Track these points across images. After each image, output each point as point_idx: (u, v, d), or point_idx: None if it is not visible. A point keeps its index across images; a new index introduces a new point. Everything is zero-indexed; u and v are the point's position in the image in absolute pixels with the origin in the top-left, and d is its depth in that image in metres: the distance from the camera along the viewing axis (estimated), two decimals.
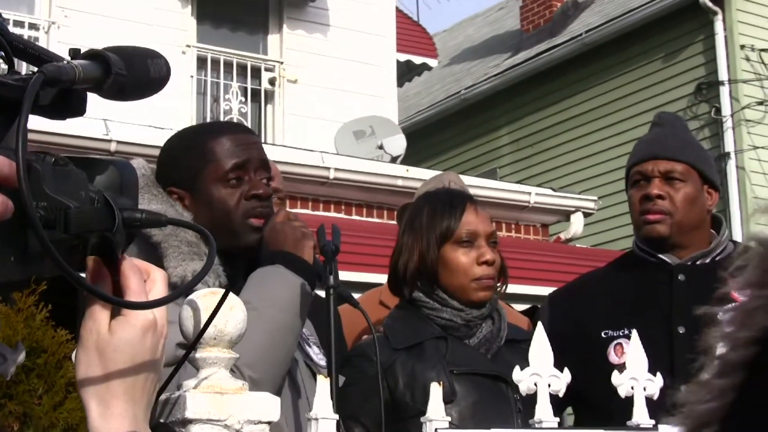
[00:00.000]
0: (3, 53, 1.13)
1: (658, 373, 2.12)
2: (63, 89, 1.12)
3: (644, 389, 2.11)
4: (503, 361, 2.83)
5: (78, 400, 1.16)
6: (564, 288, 3.64)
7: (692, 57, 14.00)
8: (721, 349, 0.75)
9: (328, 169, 9.80)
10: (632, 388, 2.10)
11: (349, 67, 12.17)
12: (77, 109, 1.16)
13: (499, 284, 3.08)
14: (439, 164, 16.11)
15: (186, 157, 2.55)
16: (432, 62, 14.97)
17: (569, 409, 3.44)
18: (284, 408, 2.14)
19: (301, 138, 11.28)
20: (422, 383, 2.68)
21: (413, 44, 14.62)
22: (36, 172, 1.05)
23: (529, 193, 10.91)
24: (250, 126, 11.37)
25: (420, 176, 9.21)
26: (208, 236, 1.25)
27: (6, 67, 1.14)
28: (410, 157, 12.33)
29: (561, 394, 2.10)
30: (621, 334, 3.12)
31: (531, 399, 2.13)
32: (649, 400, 2.14)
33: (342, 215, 9.89)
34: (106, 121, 8.99)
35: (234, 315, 1.90)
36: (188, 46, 11.53)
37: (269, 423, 1.93)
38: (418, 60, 14.59)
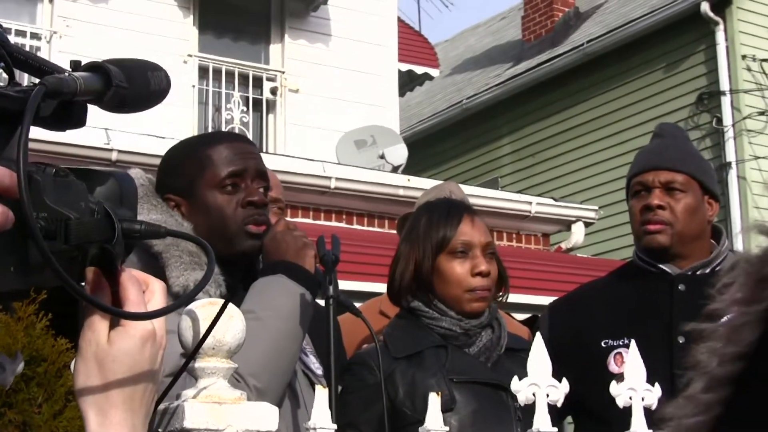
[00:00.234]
0: (3, 64, 1.13)
1: (657, 384, 2.13)
2: (64, 101, 1.13)
3: (642, 399, 2.11)
4: (503, 370, 2.83)
5: (77, 409, 1.17)
6: (564, 297, 3.64)
7: (693, 67, 14.02)
8: (708, 364, 0.76)
9: (329, 178, 9.80)
10: (630, 398, 2.11)
11: (350, 76, 12.19)
12: (78, 120, 1.17)
13: (500, 293, 3.09)
14: (441, 174, 16.13)
15: (183, 165, 2.57)
16: (434, 72, 14.98)
17: (569, 418, 3.45)
18: (283, 418, 2.15)
19: (303, 147, 11.29)
20: (422, 392, 2.69)
21: (415, 54, 14.63)
22: (37, 183, 1.06)
23: (530, 203, 10.91)
24: (251, 135, 11.44)
25: (421, 186, 9.21)
26: (207, 247, 1.25)
27: (6, 77, 1.15)
28: (411, 167, 12.34)
29: (559, 404, 2.11)
30: (621, 343, 3.13)
31: (531, 408, 2.14)
32: (647, 410, 2.14)
33: (343, 224, 9.89)
34: (108, 131, 9.00)
35: (233, 325, 1.91)
36: (190, 55, 11.54)
37: None
38: (419, 70, 14.60)
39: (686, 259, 3.24)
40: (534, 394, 2.06)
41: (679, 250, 3.23)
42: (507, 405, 2.80)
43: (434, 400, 2.13)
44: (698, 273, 3.22)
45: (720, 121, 13.54)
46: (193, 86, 11.48)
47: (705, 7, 13.65)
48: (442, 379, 2.81)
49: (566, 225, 11.25)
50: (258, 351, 2.26)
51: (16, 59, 1.15)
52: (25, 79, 1.19)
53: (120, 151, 8.70)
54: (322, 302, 2.53)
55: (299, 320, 2.43)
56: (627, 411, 2.15)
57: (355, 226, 10.00)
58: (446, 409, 2.66)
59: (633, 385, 2.11)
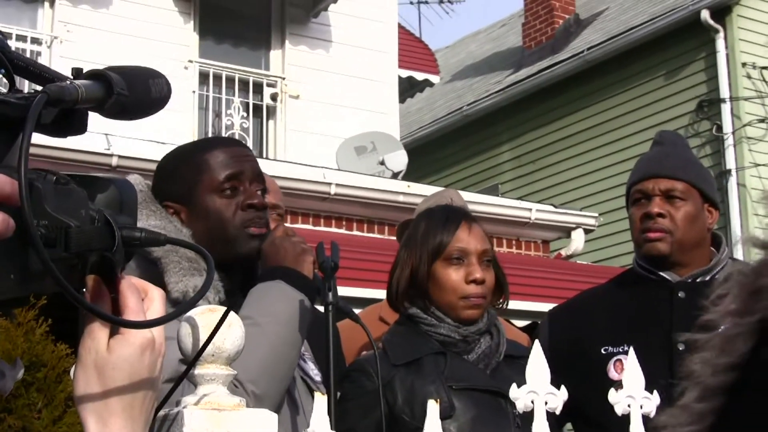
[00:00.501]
0: (4, 71, 1.14)
1: (655, 391, 2.13)
2: (65, 108, 1.13)
3: (641, 407, 2.11)
4: (502, 377, 2.83)
5: (77, 415, 1.17)
6: (564, 304, 3.64)
7: (694, 74, 14.04)
8: (702, 374, 0.76)
9: (329, 184, 9.81)
10: (629, 406, 2.11)
11: (351, 83, 12.19)
12: (78, 127, 1.17)
13: (500, 301, 3.09)
14: (441, 180, 16.13)
15: (181, 171, 2.57)
16: (434, 78, 14.98)
17: (569, 425, 3.45)
18: (282, 424, 2.15)
19: (303, 153, 11.29)
20: (421, 399, 2.69)
21: (415, 60, 14.64)
22: (37, 191, 1.06)
23: (530, 210, 10.91)
24: (251, 141, 11.45)
25: (421, 192, 9.21)
26: (206, 255, 1.26)
27: (7, 83, 1.15)
28: (412, 173, 12.34)
29: (558, 412, 2.11)
30: (621, 350, 3.14)
31: (530, 415, 2.14)
32: (646, 418, 2.14)
33: (343, 231, 9.89)
34: (108, 136, 9.01)
35: (232, 332, 1.91)
36: (190, 61, 11.55)
37: None
38: (420, 76, 14.60)
39: (686, 267, 3.25)
40: (532, 402, 2.06)
41: (678, 257, 3.24)
42: (506, 412, 2.80)
43: (433, 407, 2.13)
44: (698, 280, 3.23)
45: (720, 128, 13.54)
46: (194, 92, 11.48)
47: (705, 14, 13.66)
48: (441, 385, 2.81)
49: (566, 232, 11.25)
50: (256, 357, 2.26)
51: (17, 66, 1.15)
52: (26, 85, 1.19)
53: (120, 157, 8.70)
54: (321, 308, 2.54)
55: (297, 326, 2.43)
56: (626, 418, 2.15)
57: (355, 233, 10.00)
58: (445, 416, 2.66)
59: (631, 392, 2.11)
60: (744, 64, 13.64)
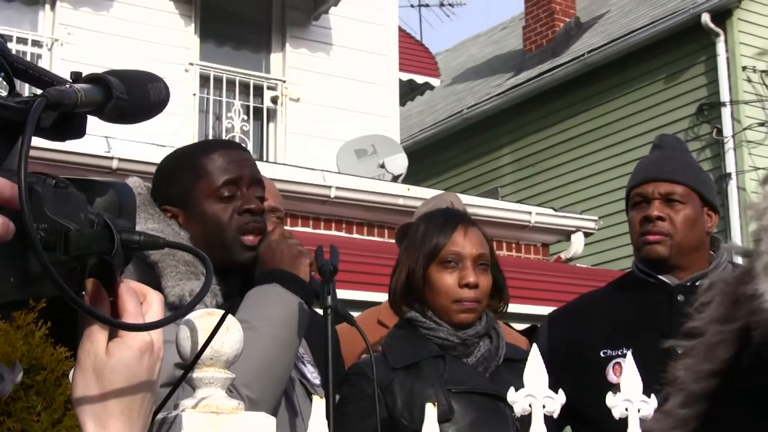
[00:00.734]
0: (4, 74, 1.14)
1: (653, 395, 2.13)
2: (64, 112, 1.14)
3: (639, 411, 2.11)
4: (501, 380, 2.83)
5: (76, 418, 1.17)
6: (563, 308, 3.65)
7: (694, 78, 14.05)
8: (685, 381, 0.78)
9: (329, 187, 9.82)
10: (626, 409, 2.11)
11: (351, 86, 12.20)
12: (78, 131, 1.18)
13: (500, 306, 3.09)
14: (441, 183, 16.14)
15: (179, 175, 2.57)
16: (434, 81, 14.98)
17: (568, 429, 3.45)
18: (281, 428, 2.15)
19: (303, 156, 11.30)
20: (420, 402, 2.69)
21: (416, 64, 14.65)
22: (37, 195, 1.07)
23: (530, 213, 10.92)
24: (252, 144, 11.45)
25: (421, 195, 9.22)
26: (205, 259, 1.26)
27: (7, 86, 1.15)
28: (412, 176, 12.35)
29: (555, 416, 2.11)
30: (620, 353, 3.14)
31: (529, 418, 2.14)
32: (644, 422, 2.15)
33: (343, 234, 9.90)
34: (108, 139, 9.01)
35: (230, 335, 1.91)
36: (191, 64, 11.56)
37: None
38: (420, 79, 14.61)
39: (685, 270, 3.25)
40: (530, 405, 2.06)
41: (678, 261, 3.24)
42: (505, 415, 2.80)
43: (431, 411, 2.13)
44: (697, 284, 3.23)
45: (720, 131, 13.55)
46: (194, 95, 11.49)
47: (706, 18, 13.67)
48: (441, 389, 2.81)
49: (566, 235, 11.25)
50: (251, 361, 2.25)
51: (17, 69, 1.16)
52: (26, 89, 1.20)
53: (120, 159, 8.71)
54: (320, 311, 2.54)
55: (293, 330, 2.43)
56: (623, 422, 2.16)
57: (355, 236, 10.01)
58: (444, 419, 2.67)
59: (629, 396, 2.12)
60: (744, 68, 13.65)
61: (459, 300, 2.94)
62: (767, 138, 13.64)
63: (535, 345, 2.19)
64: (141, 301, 1.21)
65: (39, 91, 1.12)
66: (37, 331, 4.48)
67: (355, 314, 2.88)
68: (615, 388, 2.21)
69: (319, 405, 1.93)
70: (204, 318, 1.80)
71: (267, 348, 2.35)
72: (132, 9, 11.25)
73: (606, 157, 14.71)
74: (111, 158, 8.74)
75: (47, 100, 1.09)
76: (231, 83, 11.82)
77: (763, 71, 13.74)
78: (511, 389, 2.10)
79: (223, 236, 2.49)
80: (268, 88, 11.99)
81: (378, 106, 12.35)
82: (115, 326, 1.17)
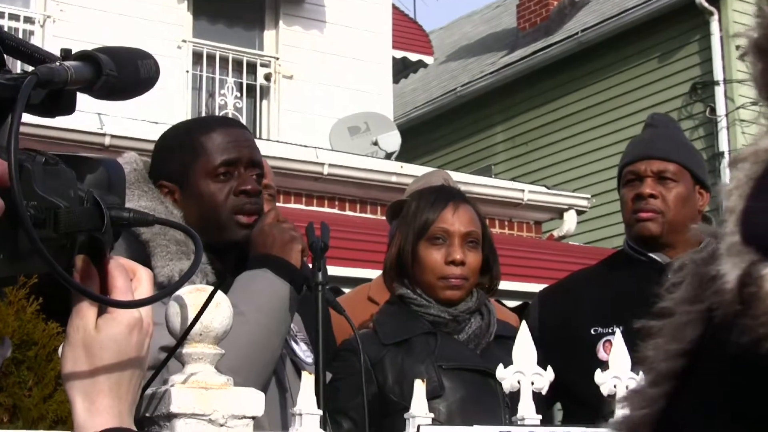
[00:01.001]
0: None
1: (641, 372, 2.15)
2: (54, 89, 1.14)
3: (627, 387, 2.13)
4: (492, 357, 2.83)
5: None
6: (555, 285, 3.66)
7: (688, 57, 14.03)
8: (654, 360, 0.79)
9: (322, 164, 9.81)
10: (615, 386, 2.13)
11: (344, 63, 12.18)
12: (67, 108, 1.18)
13: (491, 284, 3.09)
14: (434, 161, 16.13)
15: (177, 151, 2.56)
16: (428, 59, 14.97)
17: (558, 405, 3.47)
18: (269, 404, 2.15)
19: (296, 134, 11.29)
20: (411, 378, 2.69)
21: (409, 41, 14.62)
22: (27, 172, 1.07)
23: (523, 191, 10.94)
24: (245, 121, 11.42)
25: (414, 173, 9.22)
26: (195, 237, 1.26)
27: None
28: (405, 154, 12.35)
29: (544, 392, 2.12)
30: (611, 331, 3.14)
31: (518, 395, 2.15)
32: None
33: (336, 211, 9.90)
34: (101, 115, 9.00)
35: (220, 312, 1.92)
36: (184, 41, 11.53)
37: (253, 418, 1.95)
38: (414, 57, 14.59)
39: (676, 249, 3.26)
40: (519, 382, 2.08)
41: (669, 239, 3.25)
42: (495, 392, 2.81)
43: (419, 387, 2.14)
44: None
45: (713, 110, 13.55)
46: (187, 72, 11.46)
47: None
48: (431, 365, 2.82)
49: (558, 213, 11.27)
50: (238, 346, 2.25)
51: (8, 46, 1.16)
52: (17, 66, 1.20)
53: (113, 136, 8.69)
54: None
55: (282, 316, 2.43)
56: (612, 398, 2.17)
57: (348, 212, 10.01)
58: (434, 395, 2.68)
59: (617, 373, 2.13)
60: (738, 47, 13.61)
61: (445, 277, 2.94)
62: (760, 117, 13.63)
63: (524, 322, 2.21)
64: (131, 278, 1.22)
65: (30, 68, 1.13)
66: (29, 307, 4.47)
67: (346, 290, 2.89)
68: (605, 365, 2.23)
69: (308, 380, 1.94)
70: (194, 294, 1.80)
71: (253, 334, 2.35)
72: None
73: (599, 135, 14.71)
74: (103, 135, 8.72)
75: (38, 78, 1.09)
76: (224, 60, 11.79)
77: None
78: (500, 366, 2.11)
79: (218, 216, 2.49)
80: (262, 65, 11.97)
81: (371, 84, 12.33)
82: (104, 303, 1.18)
